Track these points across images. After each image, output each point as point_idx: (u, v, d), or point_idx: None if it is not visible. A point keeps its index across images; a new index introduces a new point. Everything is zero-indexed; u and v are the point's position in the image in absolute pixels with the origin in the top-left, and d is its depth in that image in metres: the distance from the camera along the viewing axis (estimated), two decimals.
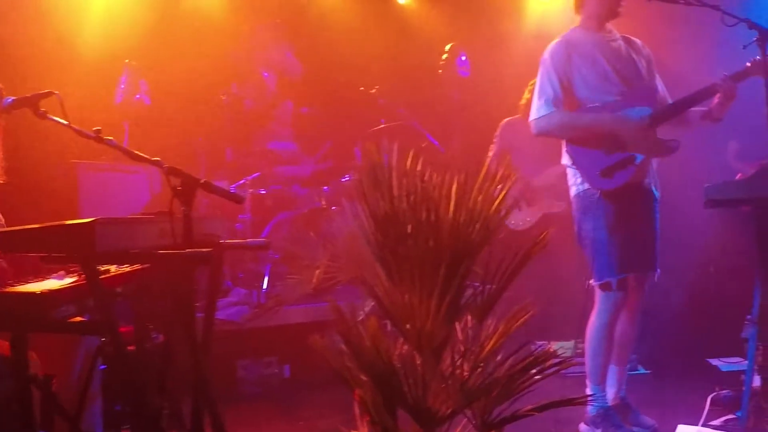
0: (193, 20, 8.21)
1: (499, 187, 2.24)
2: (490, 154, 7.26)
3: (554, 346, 6.38)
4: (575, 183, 4.72)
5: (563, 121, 4.63)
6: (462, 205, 2.22)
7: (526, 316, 2.31)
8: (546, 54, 4.70)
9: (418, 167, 2.29)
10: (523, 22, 8.69)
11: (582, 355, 4.85)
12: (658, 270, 4.72)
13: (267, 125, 7.95)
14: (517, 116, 7.16)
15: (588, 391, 4.68)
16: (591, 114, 4.59)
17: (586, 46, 4.67)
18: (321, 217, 7.01)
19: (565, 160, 4.74)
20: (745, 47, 4.11)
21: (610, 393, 4.79)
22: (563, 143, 4.73)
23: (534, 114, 4.68)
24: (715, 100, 4.54)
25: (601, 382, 4.70)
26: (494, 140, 7.31)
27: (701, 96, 4.54)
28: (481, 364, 2.25)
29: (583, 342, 4.81)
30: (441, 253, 2.17)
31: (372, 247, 2.30)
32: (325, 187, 7.44)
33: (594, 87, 4.61)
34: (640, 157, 4.50)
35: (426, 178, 2.27)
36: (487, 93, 8.12)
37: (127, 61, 7.31)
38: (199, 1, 8.42)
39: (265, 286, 6.63)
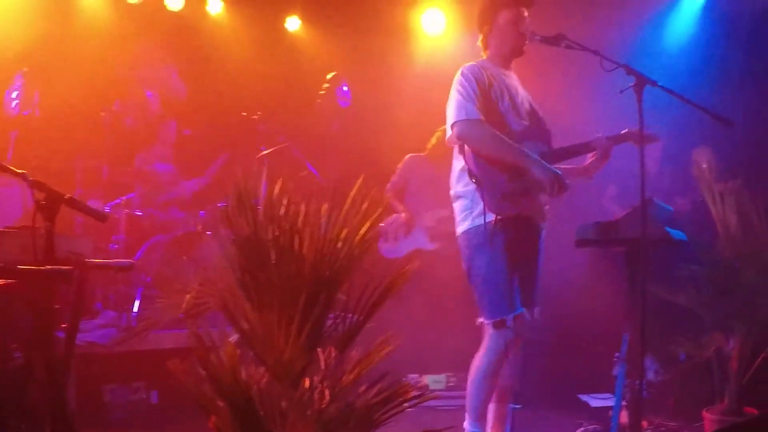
0: (83, 34, 8.07)
1: (365, 218, 2.23)
2: (389, 184, 7.35)
3: (427, 379, 6.43)
4: (470, 216, 4.51)
5: (494, 136, 4.38)
6: (327, 234, 2.21)
7: (388, 348, 2.30)
8: (464, 69, 4.54)
9: (286, 195, 2.28)
10: (411, 57, 8.80)
11: (454, 388, 4.82)
12: (538, 307, 4.65)
13: (149, 145, 7.83)
14: (422, 154, 7.30)
15: (466, 427, 4.60)
16: (518, 147, 4.42)
17: (496, 75, 4.65)
18: (196, 241, 6.95)
19: (462, 187, 4.57)
20: (621, 92, 4.14)
21: None
22: (465, 169, 4.51)
23: (462, 114, 4.41)
24: (590, 157, 4.61)
25: (480, 419, 4.63)
26: (396, 171, 7.43)
27: (578, 150, 4.58)
28: (341, 394, 2.24)
29: (454, 375, 4.78)
30: (302, 281, 2.15)
31: (235, 273, 2.27)
32: (202, 212, 7.36)
33: (506, 111, 4.58)
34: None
35: (292, 206, 2.26)
36: (369, 124, 8.19)
37: (24, 70, 7.13)
38: (91, 16, 8.27)
39: (135, 309, 6.49)
